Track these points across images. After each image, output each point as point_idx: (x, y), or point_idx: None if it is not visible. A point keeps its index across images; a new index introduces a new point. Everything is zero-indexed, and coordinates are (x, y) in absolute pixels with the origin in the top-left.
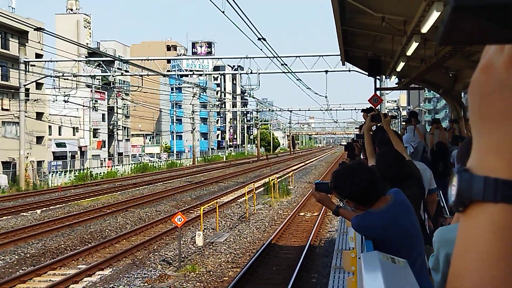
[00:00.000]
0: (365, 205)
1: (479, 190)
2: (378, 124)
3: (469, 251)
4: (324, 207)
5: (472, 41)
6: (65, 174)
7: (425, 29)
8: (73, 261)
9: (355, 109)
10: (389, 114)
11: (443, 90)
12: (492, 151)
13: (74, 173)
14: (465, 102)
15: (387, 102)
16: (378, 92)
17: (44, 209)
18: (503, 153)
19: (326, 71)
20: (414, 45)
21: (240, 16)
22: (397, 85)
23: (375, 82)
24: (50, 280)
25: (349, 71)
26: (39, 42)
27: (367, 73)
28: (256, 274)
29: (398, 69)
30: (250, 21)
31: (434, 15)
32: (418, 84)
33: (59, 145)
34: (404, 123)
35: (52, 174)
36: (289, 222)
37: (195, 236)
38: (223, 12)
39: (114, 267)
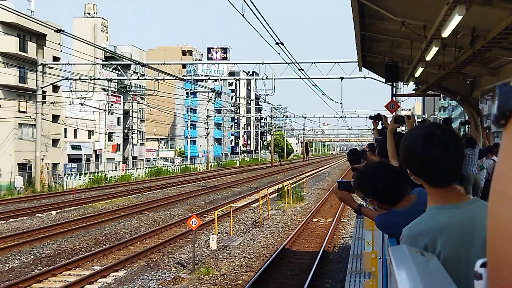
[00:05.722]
0: (389, 203)
1: None
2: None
3: None
4: (337, 213)
5: None
6: (79, 177)
7: (446, 33)
8: (88, 262)
9: (369, 117)
10: (412, 116)
11: (460, 97)
12: None
13: (89, 176)
14: (482, 110)
15: (402, 110)
16: (394, 98)
17: (59, 210)
18: None
19: (342, 78)
20: (434, 50)
21: (259, 20)
22: (414, 91)
23: (392, 88)
24: (65, 280)
25: (365, 77)
26: (59, 44)
27: (384, 79)
28: (270, 278)
29: (416, 74)
30: (268, 25)
31: (456, 19)
32: (435, 91)
33: (74, 147)
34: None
35: (67, 177)
36: (303, 228)
37: (209, 239)
38: (243, 15)
39: (129, 269)
